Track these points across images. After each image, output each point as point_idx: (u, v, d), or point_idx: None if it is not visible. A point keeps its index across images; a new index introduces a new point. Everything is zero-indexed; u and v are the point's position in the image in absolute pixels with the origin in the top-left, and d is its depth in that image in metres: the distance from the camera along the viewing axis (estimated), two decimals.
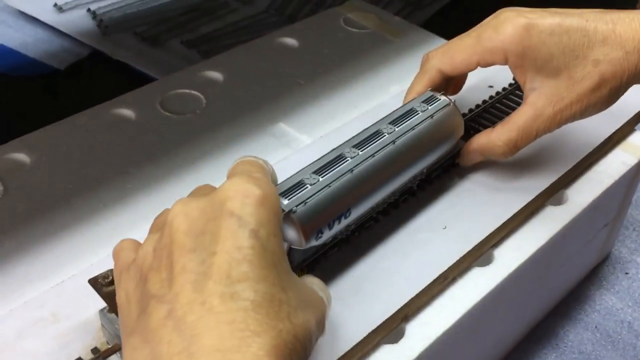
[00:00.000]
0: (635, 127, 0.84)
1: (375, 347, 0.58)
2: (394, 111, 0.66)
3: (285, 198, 0.54)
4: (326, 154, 0.60)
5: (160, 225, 0.47)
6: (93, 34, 1.32)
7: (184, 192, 0.72)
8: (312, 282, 0.50)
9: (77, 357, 0.54)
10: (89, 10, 1.38)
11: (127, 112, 0.83)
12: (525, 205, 0.70)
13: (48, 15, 1.37)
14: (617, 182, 0.77)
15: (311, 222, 0.55)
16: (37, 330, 0.57)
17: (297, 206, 0.54)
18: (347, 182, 0.58)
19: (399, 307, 0.59)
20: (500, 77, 0.86)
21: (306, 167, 0.59)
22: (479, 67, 0.69)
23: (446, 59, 0.69)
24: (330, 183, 0.57)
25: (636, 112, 0.83)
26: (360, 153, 0.60)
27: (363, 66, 0.94)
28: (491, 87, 0.85)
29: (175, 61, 1.26)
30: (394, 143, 0.62)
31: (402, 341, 0.59)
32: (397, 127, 0.63)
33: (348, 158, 0.59)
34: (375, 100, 0.85)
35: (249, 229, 0.42)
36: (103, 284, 0.54)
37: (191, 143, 0.79)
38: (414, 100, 0.68)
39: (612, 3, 0.72)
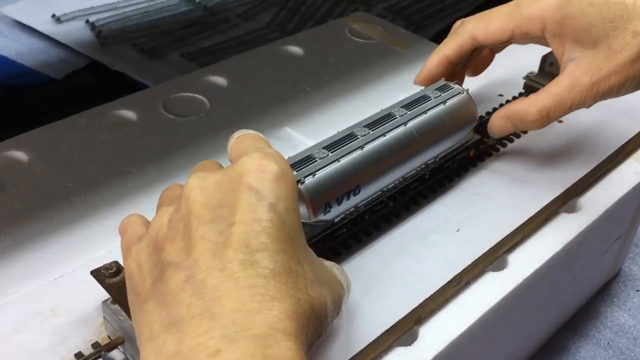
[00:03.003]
0: None
1: (388, 349, 0.56)
2: (407, 97, 0.65)
3: (294, 170, 0.54)
4: (337, 133, 0.59)
5: (172, 198, 0.47)
6: (91, 45, 1.31)
7: None
8: (332, 265, 0.49)
9: (77, 351, 0.52)
10: (87, 21, 1.37)
11: (129, 114, 0.81)
12: (539, 212, 0.68)
13: (46, 26, 1.36)
14: (630, 193, 0.76)
15: (319, 195, 0.54)
16: (35, 324, 0.54)
17: (305, 178, 0.53)
18: (357, 159, 0.57)
19: (413, 308, 0.57)
20: (510, 86, 0.85)
21: (317, 143, 0.58)
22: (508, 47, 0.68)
23: (481, 24, 0.67)
24: (340, 158, 0.56)
25: None
26: (371, 132, 0.59)
27: (370, 75, 0.92)
28: (501, 95, 0.84)
29: (175, 73, 1.24)
30: (405, 125, 0.61)
31: (416, 344, 0.57)
32: (409, 110, 0.63)
33: (359, 136, 0.59)
34: (382, 108, 0.84)
35: (268, 202, 0.42)
36: (106, 275, 0.52)
37: (195, 145, 0.77)
38: (427, 87, 0.67)
39: None
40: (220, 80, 0.89)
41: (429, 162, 0.64)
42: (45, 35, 1.34)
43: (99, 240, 0.64)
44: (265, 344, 0.37)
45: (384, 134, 0.59)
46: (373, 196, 0.60)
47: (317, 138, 0.60)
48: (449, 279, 0.60)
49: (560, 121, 0.81)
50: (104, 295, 0.52)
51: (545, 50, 0.86)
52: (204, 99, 0.85)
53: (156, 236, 0.43)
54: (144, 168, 0.74)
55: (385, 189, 0.61)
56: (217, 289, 0.38)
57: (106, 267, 0.52)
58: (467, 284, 0.62)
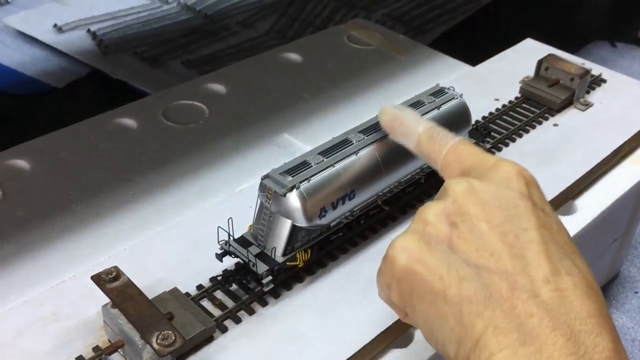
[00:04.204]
0: None
1: (384, 351, 0.57)
2: (401, 103, 0.66)
3: (290, 175, 0.55)
4: (332, 139, 0.60)
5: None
6: (92, 54, 1.32)
7: (187, 200, 0.72)
8: None
9: (78, 355, 0.53)
10: (88, 30, 1.38)
11: (129, 122, 0.82)
12: None
13: (47, 36, 1.37)
14: (626, 194, 0.76)
15: (314, 199, 0.55)
16: (37, 329, 0.55)
17: (300, 183, 0.55)
18: (351, 163, 0.58)
19: None
20: (505, 91, 0.86)
21: (312, 149, 0.59)
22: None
23: None
24: (335, 163, 0.57)
25: None
26: (365, 137, 0.60)
27: (368, 81, 0.93)
28: (497, 100, 0.85)
29: (175, 81, 1.25)
30: None
31: (411, 346, 0.58)
32: None
33: (353, 142, 0.60)
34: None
35: (541, 208, 0.42)
36: (106, 280, 0.53)
37: (194, 152, 0.78)
38: (421, 93, 0.68)
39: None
40: (219, 87, 0.90)
41: (424, 167, 0.65)
42: (47, 44, 1.35)
43: (100, 247, 0.65)
44: None
45: (378, 139, 0.60)
46: (368, 200, 0.61)
47: (316, 144, 0.61)
48: None
49: (556, 124, 0.81)
50: (105, 299, 0.53)
51: (541, 54, 0.88)
52: (203, 106, 0.86)
53: (431, 231, 0.42)
54: (144, 175, 0.75)
55: (380, 194, 0.62)
56: (549, 303, 0.38)
57: (106, 272, 0.53)
58: None
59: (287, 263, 0.58)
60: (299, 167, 0.56)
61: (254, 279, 0.58)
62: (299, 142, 0.81)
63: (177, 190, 0.73)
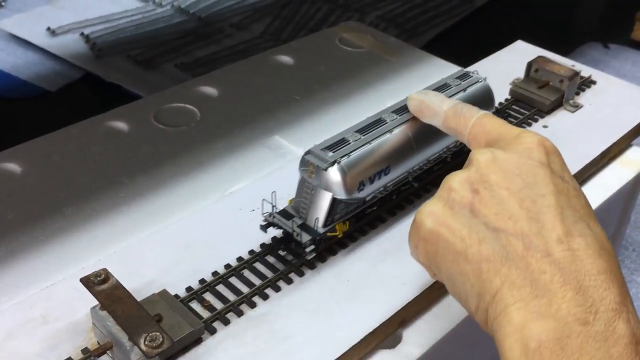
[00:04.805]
0: (632, 142, 0.84)
1: (372, 352, 0.57)
2: (429, 85, 0.68)
3: (330, 151, 0.58)
4: (367, 118, 0.63)
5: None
6: (86, 57, 1.32)
7: (179, 202, 0.72)
8: None
9: (67, 357, 0.53)
10: (82, 34, 1.38)
11: (121, 125, 0.83)
12: None
13: (41, 39, 1.37)
14: (614, 196, 0.77)
15: (353, 173, 0.58)
16: (26, 331, 0.56)
17: (341, 158, 0.58)
18: (386, 141, 0.61)
19: (396, 311, 0.58)
20: (496, 92, 0.86)
21: (349, 128, 0.62)
22: None
23: None
24: (371, 140, 0.60)
25: (632, 126, 0.82)
26: (398, 117, 0.63)
27: (359, 83, 0.93)
28: None
29: (169, 84, 1.25)
30: None
31: (400, 347, 0.58)
32: None
33: (387, 121, 0.62)
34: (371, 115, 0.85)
35: (559, 175, 0.46)
36: (95, 283, 0.53)
37: (186, 154, 0.79)
38: (447, 76, 0.70)
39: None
40: (211, 90, 0.90)
41: (450, 146, 0.68)
42: (41, 48, 1.35)
43: (90, 249, 0.66)
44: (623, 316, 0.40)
45: (410, 119, 0.62)
46: (400, 177, 0.64)
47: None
48: (432, 282, 0.61)
49: (546, 126, 0.82)
50: (94, 302, 0.53)
51: (532, 56, 0.88)
52: (194, 109, 0.86)
53: (461, 199, 0.46)
54: (135, 178, 0.75)
55: (411, 170, 0.65)
56: (561, 262, 0.41)
57: (95, 275, 0.53)
58: None
59: (328, 233, 0.61)
60: (338, 144, 0.60)
61: (296, 247, 0.61)
62: (290, 144, 0.81)
63: (168, 193, 0.74)
